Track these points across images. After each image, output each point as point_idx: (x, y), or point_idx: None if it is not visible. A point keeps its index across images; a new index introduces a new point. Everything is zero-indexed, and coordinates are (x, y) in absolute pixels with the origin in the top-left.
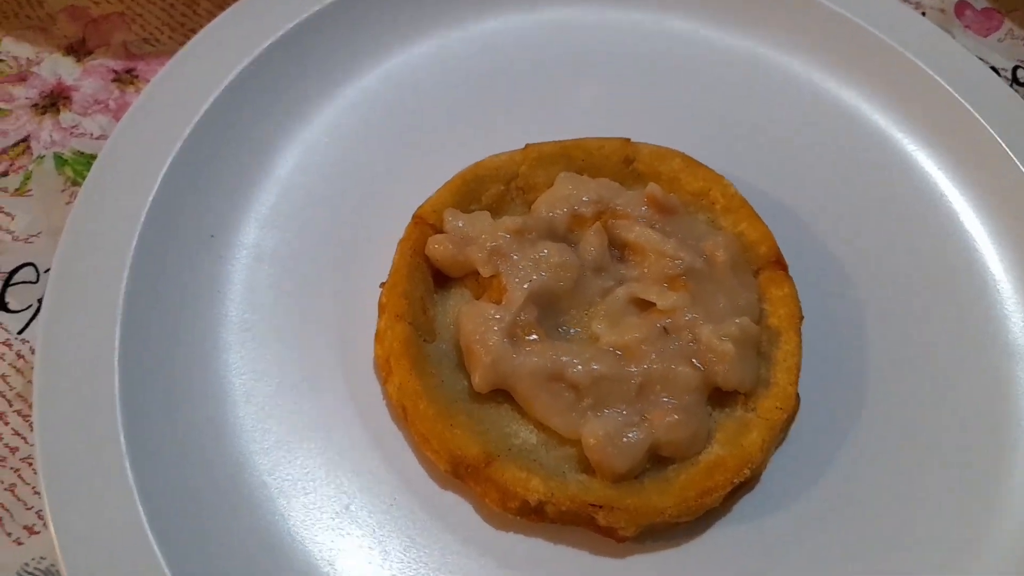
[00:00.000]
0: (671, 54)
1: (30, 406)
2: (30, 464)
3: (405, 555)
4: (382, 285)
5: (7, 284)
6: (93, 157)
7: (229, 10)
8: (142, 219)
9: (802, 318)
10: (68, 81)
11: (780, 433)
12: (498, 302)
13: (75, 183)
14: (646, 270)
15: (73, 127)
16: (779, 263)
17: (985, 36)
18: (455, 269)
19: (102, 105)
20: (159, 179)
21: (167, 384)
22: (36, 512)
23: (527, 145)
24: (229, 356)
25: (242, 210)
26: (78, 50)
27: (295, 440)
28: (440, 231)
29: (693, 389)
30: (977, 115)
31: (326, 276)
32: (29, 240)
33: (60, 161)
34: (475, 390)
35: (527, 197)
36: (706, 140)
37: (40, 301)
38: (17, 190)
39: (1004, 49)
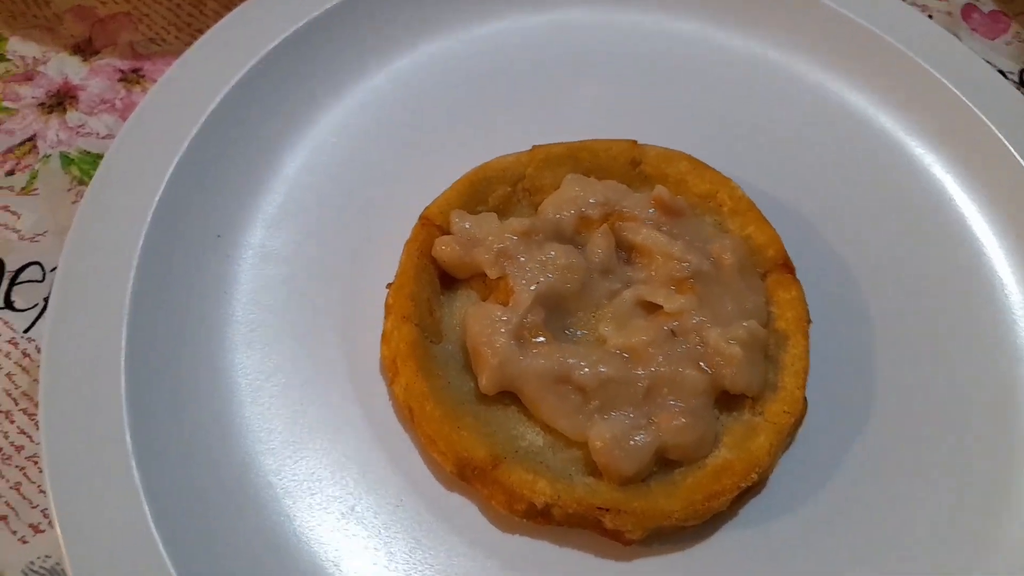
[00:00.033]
0: (678, 56)
1: (36, 405)
2: (35, 462)
3: (411, 556)
4: (388, 286)
5: (13, 283)
6: (99, 156)
7: (236, 10)
8: (148, 219)
9: (810, 321)
10: (75, 80)
11: (787, 437)
12: (505, 304)
13: (81, 182)
14: (653, 272)
15: (79, 126)
16: (787, 266)
17: (992, 39)
18: (462, 270)
19: (108, 105)
20: (165, 179)
21: (173, 383)
22: (42, 511)
23: (534, 147)
24: (235, 356)
25: (249, 210)
26: (85, 50)
27: (301, 440)
28: (447, 232)
29: (700, 392)
30: (984, 118)
31: (332, 276)
32: (35, 239)
33: (66, 160)
34: (482, 392)
35: (534, 199)
36: (713, 142)
37: (46, 300)
38: (23, 189)
39: (1011, 52)
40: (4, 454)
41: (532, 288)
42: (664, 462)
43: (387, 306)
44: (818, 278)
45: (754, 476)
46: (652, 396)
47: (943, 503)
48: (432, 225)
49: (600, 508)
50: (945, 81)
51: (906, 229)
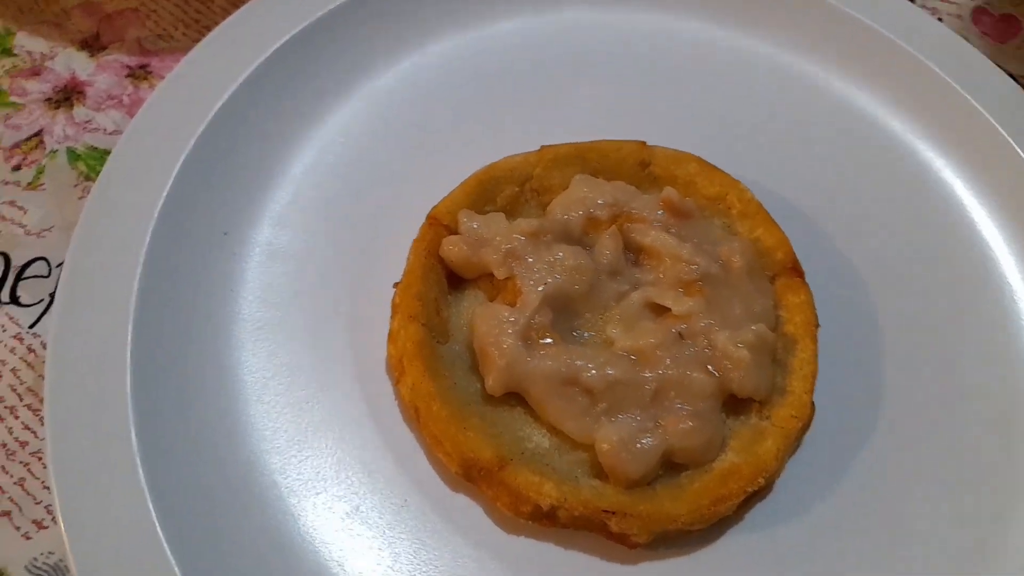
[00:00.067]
0: (688, 57)
1: (40, 400)
2: (40, 458)
3: (415, 557)
4: (395, 285)
5: (19, 278)
6: (106, 152)
7: (244, 7)
8: (155, 215)
9: (818, 325)
10: (82, 76)
11: (795, 442)
12: (512, 304)
13: (88, 178)
14: (661, 275)
15: (86, 122)
16: (795, 269)
17: (1002, 42)
18: (469, 270)
19: (116, 100)
20: (173, 175)
21: (179, 381)
22: (45, 507)
23: (542, 147)
24: (241, 354)
25: (256, 208)
26: (92, 45)
27: (306, 439)
28: (454, 232)
29: (708, 396)
30: (993, 121)
31: (339, 275)
32: (41, 234)
33: (73, 156)
34: (488, 392)
35: (542, 199)
36: (722, 144)
37: (52, 295)
38: (30, 184)
39: (1021, 55)
40: (8, 449)
41: (540, 289)
42: (671, 465)
43: (394, 305)
44: (827, 282)
45: (761, 480)
46: (659, 399)
47: (950, 509)
48: (440, 225)
49: (606, 511)
50: (955, 84)
51: (915, 233)
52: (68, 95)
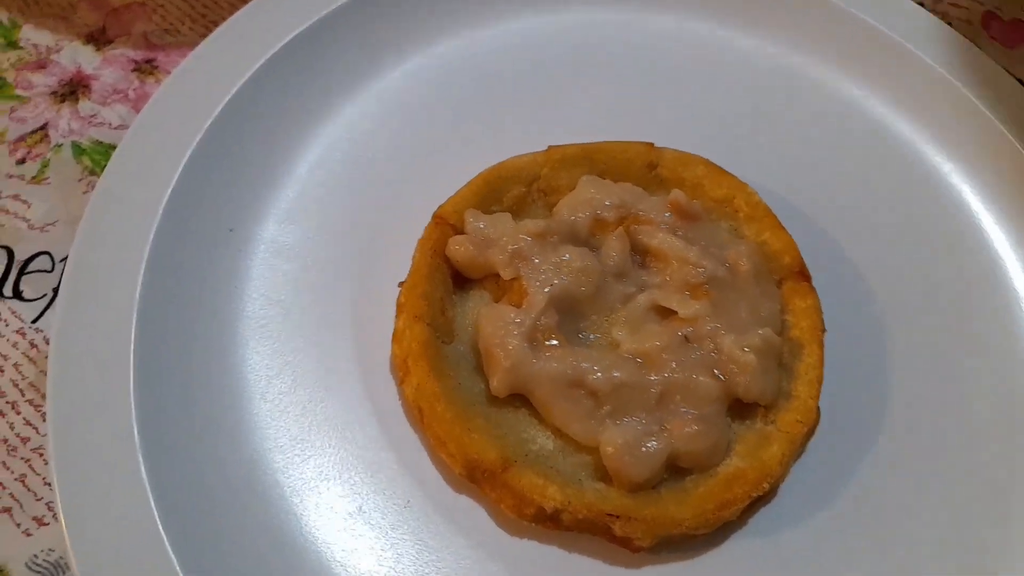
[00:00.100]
0: (697, 59)
1: (42, 396)
2: (41, 455)
3: (418, 557)
4: (401, 284)
5: (22, 272)
6: (111, 147)
7: (251, 3)
8: (160, 211)
9: (825, 330)
10: (88, 70)
11: (800, 447)
12: (518, 305)
13: (93, 172)
14: (668, 277)
15: (92, 116)
16: (803, 274)
17: (1012, 48)
18: (475, 271)
19: (121, 95)
20: (178, 171)
21: (182, 378)
22: (46, 504)
23: (549, 147)
24: (245, 352)
25: (262, 205)
26: (98, 39)
27: (309, 438)
28: (460, 232)
29: (713, 399)
30: (1003, 128)
31: (344, 274)
32: (45, 229)
33: (78, 150)
34: (493, 394)
35: (548, 199)
36: (730, 147)
37: (55, 290)
38: (34, 178)
39: None
40: (10, 445)
41: (546, 290)
42: (675, 469)
43: (399, 305)
44: (834, 286)
45: (766, 486)
46: (665, 402)
47: (955, 515)
48: (446, 224)
49: (611, 515)
50: (964, 90)
51: (923, 239)
52: (74, 89)
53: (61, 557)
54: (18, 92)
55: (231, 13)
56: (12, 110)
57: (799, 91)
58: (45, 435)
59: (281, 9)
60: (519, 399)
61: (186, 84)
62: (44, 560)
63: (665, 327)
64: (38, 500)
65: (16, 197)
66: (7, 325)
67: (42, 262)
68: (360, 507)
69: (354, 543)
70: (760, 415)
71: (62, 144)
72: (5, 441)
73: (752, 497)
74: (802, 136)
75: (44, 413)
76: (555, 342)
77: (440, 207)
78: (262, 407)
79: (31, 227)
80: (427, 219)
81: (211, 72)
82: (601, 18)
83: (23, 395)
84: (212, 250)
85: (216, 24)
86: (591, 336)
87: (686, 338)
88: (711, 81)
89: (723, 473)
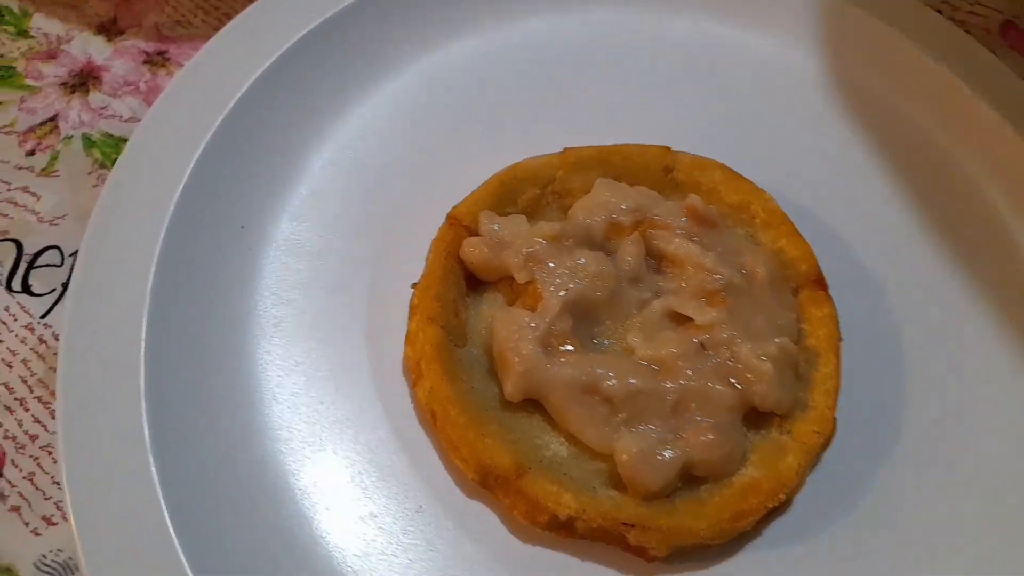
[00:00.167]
0: (714, 62)
1: (51, 393)
2: (50, 452)
3: (430, 564)
4: (414, 286)
5: (31, 266)
6: (122, 140)
7: None
8: (172, 207)
9: (841, 339)
10: (98, 61)
11: (816, 457)
12: (532, 309)
13: (103, 166)
14: (684, 283)
15: (102, 108)
16: (819, 282)
17: None
18: (489, 273)
19: (132, 87)
20: (190, 167)
21: (193, 377)
22: (55, 503)
23: (565, 149)
24: (256, 350)
25: (274, 202)
26: (109, 29)
27: (320, 440)
28: (474, 233)
29: (729, 408)
30: (1021, 136)
31: (356, 274)
32: (55, 222)
33: (88, 143)
34: (506, 398)
35: (563, 202)
36: (747, 152)
37: (64, 285)
38: (44, 170)
39: None
40: (18, 443)
41: (561, 294)
42: (690, 478)
43: (412, 306)
44: (851, 295)
45: (782, 496)
46: (680, 410)
47: (973, 528)
48: (460, 225)
49: (626, 524)
50: (982, 98)
51: (943, 248)
52: (84, 80)
53: (70, 557)
54: (28, 82)
55: (243, 5)
56: (22, 100)
57: (817, 98)
58: (54, 433)
59: (294, 3)
60: (533, 404)
61: (199, 78)
62: (53, 560)
63: (681, 334)
64: (47, 499)
65: (25, 189)
66: (16, 320)
67: (51, 256)
68: (371, 511)
69: (365, 547)
70: (776, 425)
71: (72, 136)
72: (14, 439)
73: (768, 508)
74: (820, 143)
75: (53, 410)
76: (570, 347)
77: (454, 208)
78: (273, 408)
79: (40, 220)
80: (441, 220)
81: (224, 66)
82: (618, 19)
83: (31, 391)
84: (223, 247)
85: (228, 17)
86: (605, 342)
87: (702, 345)
88: (728, 84)
89: (738, 483)
